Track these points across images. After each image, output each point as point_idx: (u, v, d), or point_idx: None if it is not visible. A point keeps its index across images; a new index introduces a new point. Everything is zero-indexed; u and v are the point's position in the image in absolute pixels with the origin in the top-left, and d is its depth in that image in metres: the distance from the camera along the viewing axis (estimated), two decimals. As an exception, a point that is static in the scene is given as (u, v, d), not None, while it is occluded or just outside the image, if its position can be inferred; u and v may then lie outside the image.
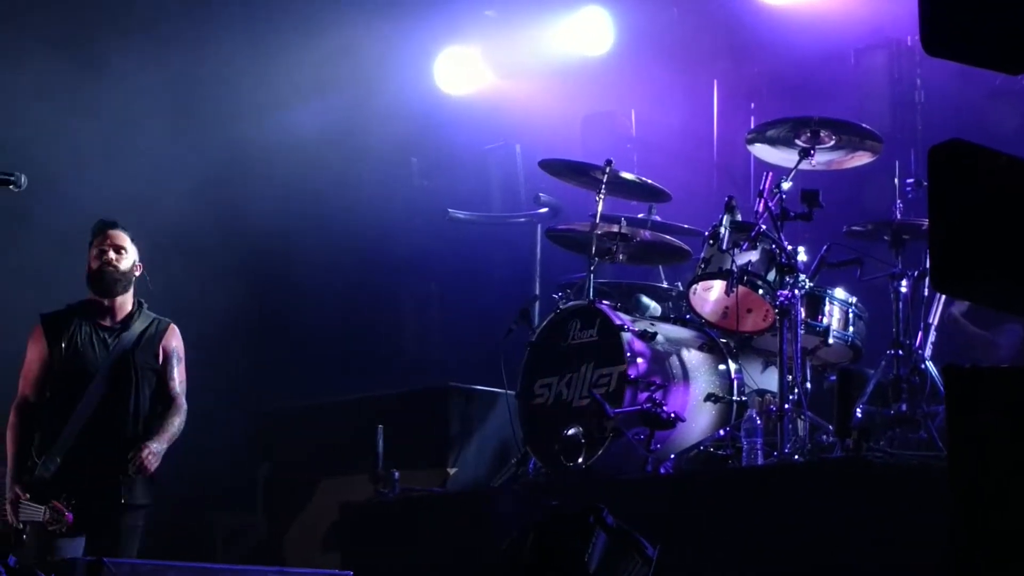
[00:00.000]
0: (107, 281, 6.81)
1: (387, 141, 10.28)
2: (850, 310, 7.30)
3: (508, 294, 9.14)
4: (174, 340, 6.93)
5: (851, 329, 7.29)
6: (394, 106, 10.27)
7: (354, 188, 10.10)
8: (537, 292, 9.07)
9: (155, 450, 6.59)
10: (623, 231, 7.69)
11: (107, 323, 6.86)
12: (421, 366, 10.18)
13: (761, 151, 7.66)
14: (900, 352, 7.15)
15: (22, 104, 9.32)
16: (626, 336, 7.10)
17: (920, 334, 7.23)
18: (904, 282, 7.25)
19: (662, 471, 6.84)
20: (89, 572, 4.90)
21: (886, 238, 7.44)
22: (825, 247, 7.34)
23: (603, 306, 7.31)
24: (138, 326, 6.88)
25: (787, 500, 6.09)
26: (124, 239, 6.87)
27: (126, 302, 6.90)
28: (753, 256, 7.10)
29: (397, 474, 7.62)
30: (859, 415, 6.88)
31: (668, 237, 7.91)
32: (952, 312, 7.53)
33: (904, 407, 7.00)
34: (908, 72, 9.11)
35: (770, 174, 7.20)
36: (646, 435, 6.90)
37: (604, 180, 7.65)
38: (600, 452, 6.97)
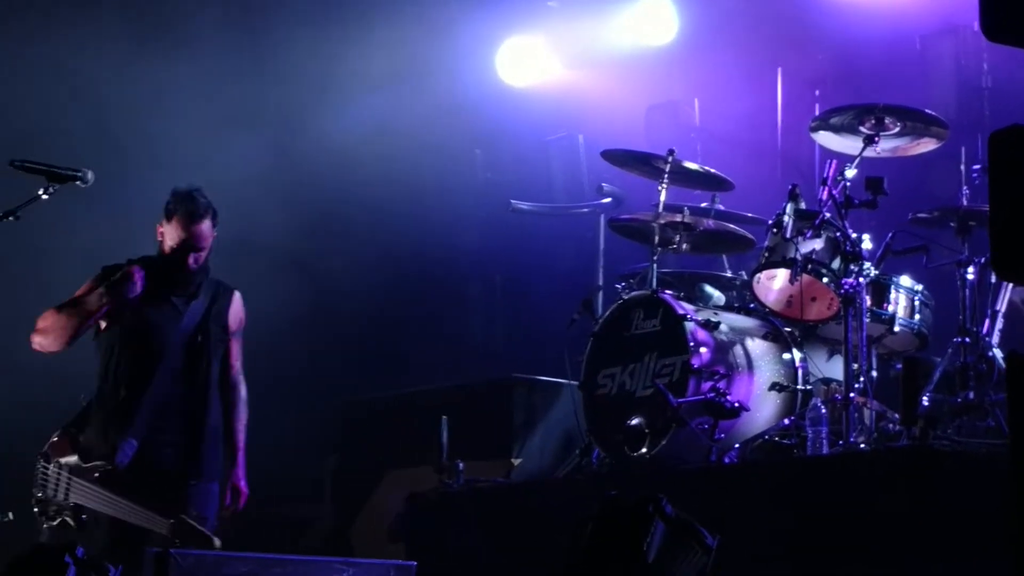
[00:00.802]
0: (184, 277, 6.41)
1: (450, 133, 10.31)
2: (916, 298, 7.24)
3: (571, 285, 9.15)
4: (241, 311, 6.61)
5: (917, 317, 7.23)
6: (457, 98, 10.29)
7: (418, 180, 10.13)
8: (600, 282, 9.06)
9: (244, 489, 6.41)
10: (686, 220, 7.67)
11: (175, 289, 6.42)
12: (485, 357, 10.21)
13: (825, 139, 7.62)
14: (967, 340, 7.08)
15: (93, 94, 9.43)
16: (689, 325, 7.08)
17: (987, 321, 7.17)
18: (971, 269, 7.18)
19: (726, 461, 6.82)
20: (157, 563, 4.94)
21: (952, 225, 7.37)
22: (890, 234, 7.29)
23: (666, 296, 7.29)
24: (207, 292, 6.48)
25: (853, 489, 6.05)
26: (207, 232, 6.40)
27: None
28: (817, 244, 7.07)
29: (462, 465, 7.63)
30: (926, 403, 6.83)
31: (731, 226, 7.89)
32: (1014, 299, 7.46)
33: (971, 395, 6.94)
34: (974, 58, 9.01)
35: (834, 162, 7.15)
36: (710, 425, 6.89)
37: (667, 170, 7.64)
38: (664, 442, 6.96)
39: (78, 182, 5.99)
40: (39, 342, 6.24)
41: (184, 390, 6.31)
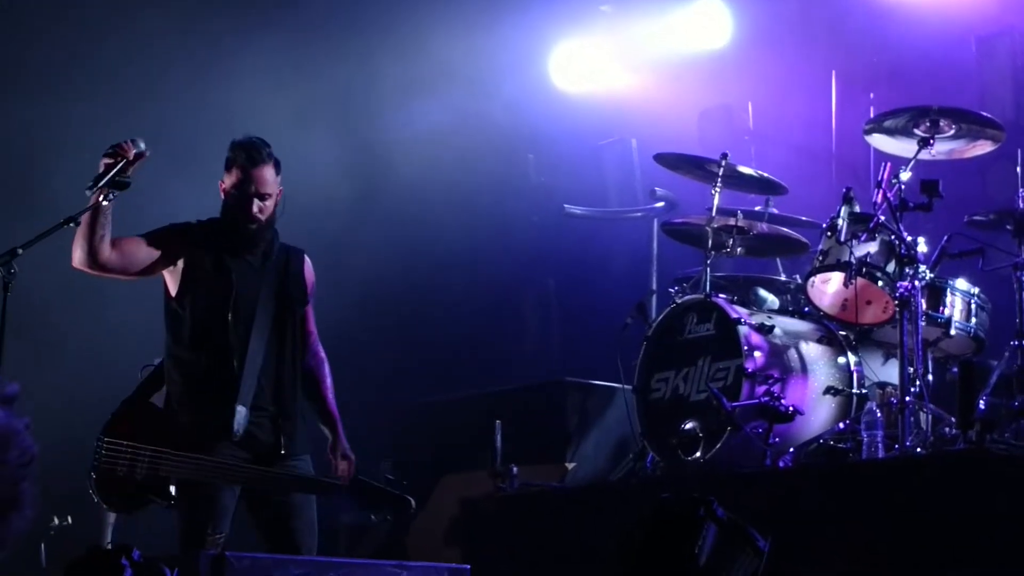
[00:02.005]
0: (247, 236, 5.94)
1: (504, 138, 10.33)
2: (972, 301, 7.19)
3: (624, 289, 9.15)
4: (312, 274, 6.19)
5: (974, 320, 7.18)
6: (510, 103, 10.31)
7: (471, 185, 10.15)
8: (654, 286, 9.06)
9: (351, 458, 5.96)
10: (740, 224, 7.66)
11: (247, 249, 5.98)
12: (539, 361, 10.22)
13: (880, 142, 7.58)
14: (1024, 343, 7.04)
15: (158, 84, 9.55)
16: (743, 329, 7.07)
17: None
18: (1028, 272, 7.13)
19: (781, 465, 6.80)
20: (214, 566, 4.97)
21: (1009, 227, 7.31)
22: (946, 237, 7.24)
23: (720, 300, 7.28)
24: (279, 253, 6.06)
25: (909, 493, 6.02)
26: (271, 179, 5.94)
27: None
28: (872, 247, 7.04)
29: (516, 469, 7.64)
30: (982, 407, 6.78)
31: (785, 229, 7.86)
32: None
33: (1029, 399, 6.89)
34: (1031, 58, 8.95)
35: (889, 164, 7.11)
36: (764, 429, 6.87)
37: (720, 173, 7.63)
38: (718, 446, 6.95)
39: (127, 189, 5.96)
40: (73, 257, 5.78)
41: (275, 356, 5.91)
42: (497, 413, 7.99)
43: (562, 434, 8.43)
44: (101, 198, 5.70)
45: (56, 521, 7.94)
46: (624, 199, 9.93)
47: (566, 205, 9.60)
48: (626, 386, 7.68)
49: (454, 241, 10.07)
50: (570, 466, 8.27)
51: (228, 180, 5.95)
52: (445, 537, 8.22)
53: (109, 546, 7.71)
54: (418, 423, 9.35)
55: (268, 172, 5.92)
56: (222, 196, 5.99)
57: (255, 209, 5.89)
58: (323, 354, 6.15)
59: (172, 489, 5.70)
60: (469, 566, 5.52)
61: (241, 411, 5.73)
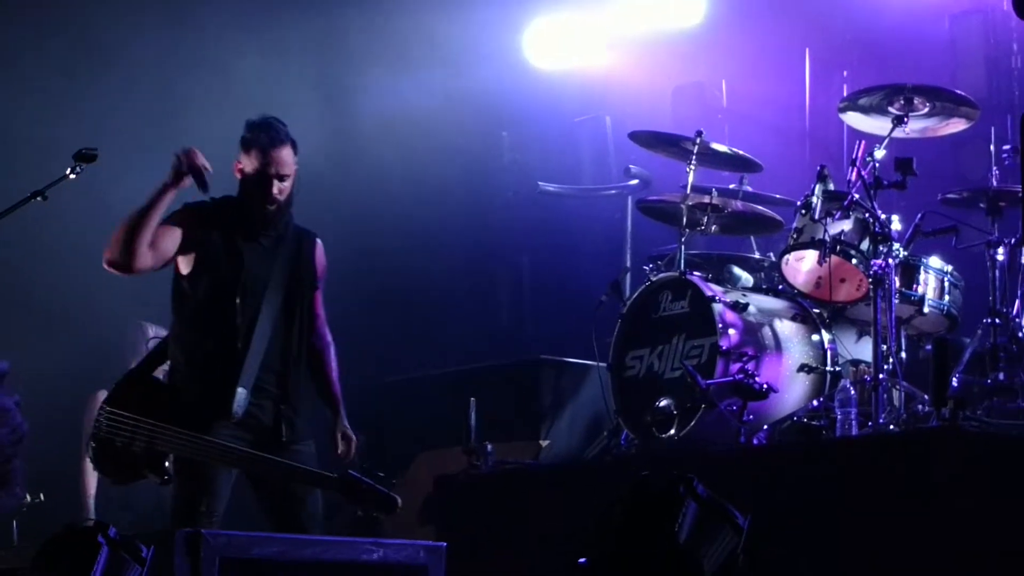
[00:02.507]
0: (264, 218, 5.94)
1: (477, 115, 10.30)
2: (946, 279, 7.21)
3: (599, 267, 9.15)
4: (323, 258, 6.20)
5: (947, 298, 7.21)
6: (484, 80, 10.28)
7: (445, 163, 10.13)
8: (628, 264, 9.07)
9: (352, 437, 6.07)
10: (714, 202, 7.66)
11: (262, 231, 5.98)
12: (513, 339, 10.22)
13: (854, 119, 7.59)
14: (997, 321, 7.07)
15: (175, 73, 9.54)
16: (718, 307, 7.08)
17: (1017, 302, 7.15)
18: (1001, 250, 7.17)
19: (755, 442, 6.82)
20: (189, 544, 4.95)
21: (982, 205, 7.35)
22: (920, 215, 7.27)
23: (694, 277, 7.29)
24: (292, 236, 6.07)
25: (882, 470, 6.05)
26: (289, 160, 5.94)
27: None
28: (846, 225, 7.05)
29: (490, 447, 7.64)
30: (955, 385, 6.83)
31: (760, 207, 7.87)
32: None
33: (1002, 376, 6.93)
34: (1004, 37, 8.98)
35: (863, 142, 7.13)
36: (739, 406, 6.89)
37: (695, 151, 7.64)
38: (692, 424, 6.97)
39: (94, 162, 5.99)
40: (108, 258, 5.79)
41: (281, 340, 5.92)
42: (471, 391, 7.97)
43: (536, 412, 8.44)
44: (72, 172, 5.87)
45: (28, 499, 7.91)
46: (598, 177, 9.92)
47: (540, 183, 9.60)
48: (600, 364, 7.69)
49: (428, 219, 10.06)
50: (544, 444, 8.28)
51: (246, 161, 5.94)
52: (420, 514, 8.21)
53: (91, 522, 7.78)
54: (392, 400, 9.33)
55: (286, 153, 5.93)
56: (238, 176, 5.98)
57: (275, 191, 5.89)
58: (330, 338, 6.19)
59: (167, 466, 5.70)
60: (446, 544, 5.52)
61: (242, 392, 5.75)
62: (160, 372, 6.10)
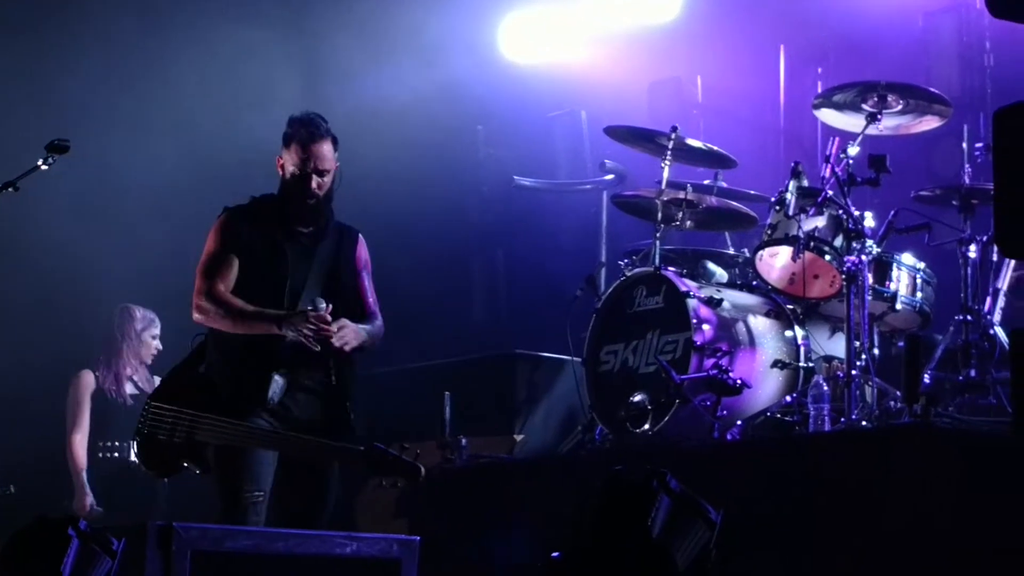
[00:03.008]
0: (305, 213, 6.04)
1: (452, 110, 10.28)
2: (918, 275, 7.25)
3: (574, 261, 9.16)
4: (366, 252, 6.31)
5: (919, 295, 7.24)
6: (459, 74, 10.26)
7: (420, 157, 10.11)
8: (603, 259, 9.08)
9: (356, 329, 6.00)
10: (689, 197, 7.67)
11: (303, 228, 6.09)
12: (488, 333, 10.21)
13: (828, 116, 7.62)
14: (969, 317, 7.10)
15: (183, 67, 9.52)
16: (692, 303, 7.10)
17: (989, 299, 7.19)
18: (973, 247, 7.20)
19: (729, 438, 6.85)
20: (160, 537, 4.95)
21: (955, 203, 7.38)
22: (893, 212, 7.30)
23: (669, 273, 7.31)
24: (333, 231, 6.17)
25: (854, 466, 6.07)
26: (329, 155, 6.05)
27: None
28: (820, 222, 7.07)
29: (465, 441, 7.65)
30: (928, 381, 6.86)
31: (734, 203, 7.89)
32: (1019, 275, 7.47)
33: (973, 373, 6.96)
34: (977, 35, 9.00)
35: (837, 139, 7.16)
36: (712, 402, 6.91)
37: (670, 146, 7.65)
38: (666, 419, 6.98)
39: (66, 153, 6.06)
40: (200, 319, 6.00)
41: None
42: (446, 385, 7.98)
43: (511, 406, 8.43)
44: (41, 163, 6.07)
45: (-3, 489, 7.97)
46: (574, 171, 9.92)
47: (516, 177, 9.60)
48: (575, 358, 7.71)
49: (403, 213, 10.04)
50: (519, 438, 8.28)
51: (287, 157, 6.04)
52: (393, 508, 8.21)
53: (94, 506, 8.19)
54: (367, 394, 9.28)
55: (326, 148, 6.04)
56: (280, 173, 6.08)
57: (314, 185, 5.99)
58: (379, 320, 6.31)
59: (207, 456, 5.88)
60: (419, 538, 5.52)
61: (278, 380, 5.89)
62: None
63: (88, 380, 8.50)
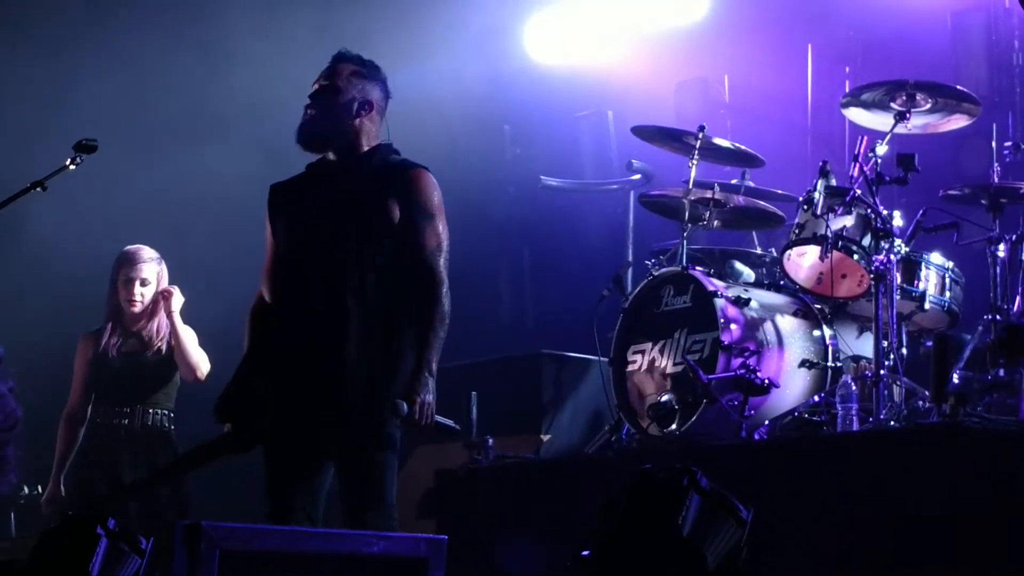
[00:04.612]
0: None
1: (479, 109, 10.29)
2: (947, 275, 7.22)
3: (601, 261, 9.15)
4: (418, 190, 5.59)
5: (948, 294, 7.21)
6: (485, 74, 10.27)
7: (447, 157, 10.10)
8: (630, 258, 9.07)
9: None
10: (716, 197, 7.66)
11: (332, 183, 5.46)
12: (514, 333, 10.21)
13: (856, 115, 7.60)
14: (998, 317, 7.06)
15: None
16: (719, 302, 7.08)
17: (1018, 299, 7.15)
18: (1002, 246, 7.16)
19: (756, 437, 6.83)
20: (188, 535, 4.95)
21: (983, 202, 7.34)
22: (921, 211, 7.27)
23: (696, 272, 7.29)
24: (371, 181, 5.47)
25: (883, 466, 6.05)
26: (345, 73, 5.54)
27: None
28: (848, 221, 7.05)
29: (491, 441, 7.65)
30: (956, 380, 6.82)
31: (762, 203, 7.87)
32: None
33: (1002, 372, 6.92)
34: (1006, 34, 8.97)
35: (865, 138, 7.15)
36: (740, 401, 6.89)
37: (697, 146, 7.64)
38: (694, 418, 6.97)
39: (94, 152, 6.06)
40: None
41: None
42: (472, 384, 7.98)
43: (537, 406, 8.43)
44: (72, 162, 5.96)
45: (26, 490, 7.89)
46: (600, 171, 9.91)
47: (542, 177, 9.60)
48: (602, 358, 7.69)
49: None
50: (545, 438, 8.28)
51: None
52: (420, 508, 8.22)
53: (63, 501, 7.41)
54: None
55: (342, 67, 5.54)
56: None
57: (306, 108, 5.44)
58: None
59: None
60: (446, 537, 5.52)
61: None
62: None
63: (81, 347, 7.53)
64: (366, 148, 5.47)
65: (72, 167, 6.09)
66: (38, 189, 6.05)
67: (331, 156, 5.44)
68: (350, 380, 5.30)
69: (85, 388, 7.48)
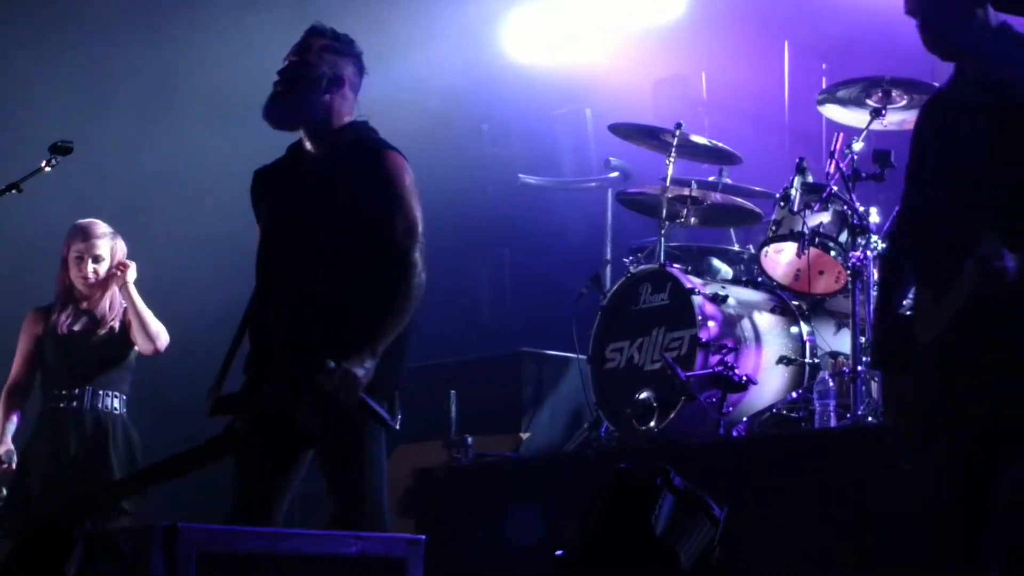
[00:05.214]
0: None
1: (457, 108, 10.28)
2: (923, 271, 7.22)
3: (579, 259, 9.16)
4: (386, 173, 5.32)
5: (925, 290, 7.21)
6: (463, 72, 10.26)
7: (425, 156, 10.07)
8: (608, 256, 9.07)
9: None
10: (694, 194, 7.68)
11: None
12: (493, 331, 10.21)
13: (832, 112, 7.61)
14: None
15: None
16: (697, 299, 7.09)
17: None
18: (978, 242, 7.17)
19: (735, 434, 6.84)
20: (165, 537, 4.93)
21: (959, 198, 7.35)
22: (898, 208, 7.27)
23: (674, 269, 7.30)
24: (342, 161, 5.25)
25: (861, 462, 6.06)
26: (315, 46, 5.30)
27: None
28: (825, 218, 7.07)
29: (471, 440, 7.66)
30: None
31: (739, 200, 7.89)
32: None
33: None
34: (982, 30, 8.97)
35: (841, 135, 7.17)
36: (718, 398, 6.91)
37: (674, 143, 7.65)
38: (672, 416, 6.98)
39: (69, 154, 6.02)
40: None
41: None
42: (452, 383, 7.98)
43: (517, 404, 8.43)
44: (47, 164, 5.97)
45: (4, 492, 7.84)
46: (579, 169, 9.92)
47: (520, 175, 9.59)
48: (581, 356, 7.71)
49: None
50: (525, 436, 8.28)
51: None
52: (399, 507, 8.20)
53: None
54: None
55: (313, 41, 5.35)
56: None
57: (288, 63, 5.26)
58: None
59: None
60: (425, 537, 5.51)
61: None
62: None
63: (29, 323, 7.13)
64: (337, 127, 5.26)
65: (48, 169, 6.06)
66: (13, 192, 6.04)
67: (303, 136, 5.27)
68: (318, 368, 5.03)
69: (28, 362, 7.06)
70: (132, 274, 7.05)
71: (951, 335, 4.14)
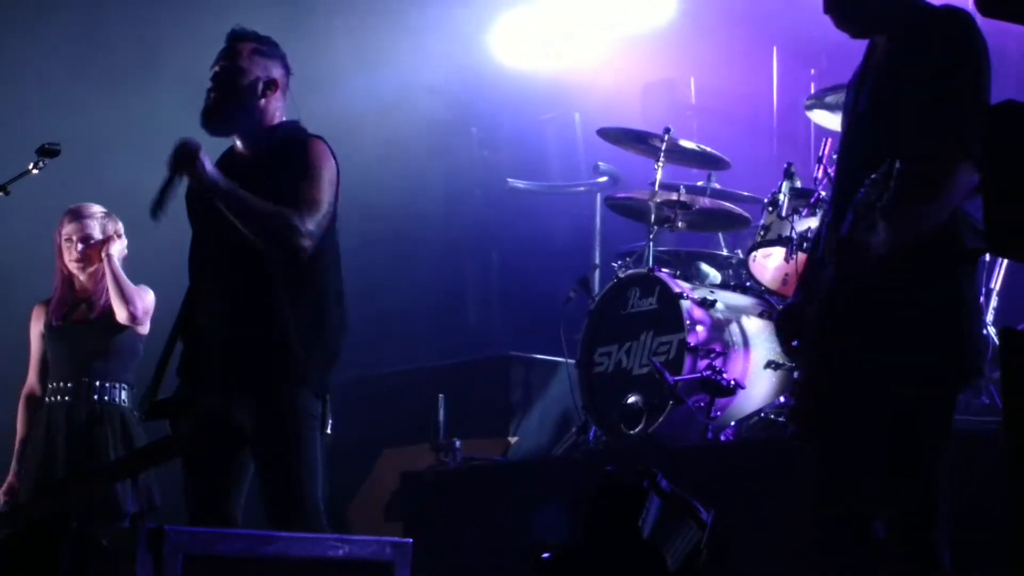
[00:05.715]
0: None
1: (446, 112, 10.29)
2: (911, 276, 7.23)
3: (568, 263, 9.16)
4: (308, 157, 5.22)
5: (912, 295, 7.22)
6: (452, 76, 10.27)
7: (414, 159, 10.11)
8: (597, 261, 9.08)
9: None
10: (683, 199, 7.68)
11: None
12: (482, 335, 10.21)
13: (820, 117, 7.62)
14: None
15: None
16: (685, 304, 7.09)
17: (982, 299, 7.17)
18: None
19: (723, 438, 6.84)
20: (151, 540, 4.92)
21: (948, 204, 7.35)
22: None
23: (662, 274, 7.30)
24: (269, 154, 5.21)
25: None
26: (245, 52, 5.21)
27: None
28: (813, 223, 7.07)
29: (458, 443, 7.66)
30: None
31: (728, 204, 7.89)
32: None
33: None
34: (969, 35, 8.98)
35: (830, 140, 7.17)
36: (706, 402, 6.91)
37: (663, 148, 7.65)
38: (660, 420, 6.98)
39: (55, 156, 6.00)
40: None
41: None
42: (440, 387, 7.99)
43: (505, 408, 8.44)
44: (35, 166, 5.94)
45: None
46: (567, 173, 9.94)
47: (509, 179, 9.60)
48: (569, 360, 7.70)
49: (396, 215, 10.04)
50: (513, 440, 8.28)
51: None
52: (387, 511, 8.22)
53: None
54: (360, 397, 9.32)
55: (241, 46, 5.27)
56: None
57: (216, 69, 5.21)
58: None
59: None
60: (412, 540, 5.51)
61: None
62: None
63: (33, 319, 6.93)
64: (268, 127, 5.21)
65: (35, 171, 6.05)
66: (1, 193, 6.04)
67: (237, 141, 5.23)
68: (241, 359, 5.10)
69: (38, 362, 6.87)
70: (117, 248, 6.78)
71: (823, 316, 4.19)
